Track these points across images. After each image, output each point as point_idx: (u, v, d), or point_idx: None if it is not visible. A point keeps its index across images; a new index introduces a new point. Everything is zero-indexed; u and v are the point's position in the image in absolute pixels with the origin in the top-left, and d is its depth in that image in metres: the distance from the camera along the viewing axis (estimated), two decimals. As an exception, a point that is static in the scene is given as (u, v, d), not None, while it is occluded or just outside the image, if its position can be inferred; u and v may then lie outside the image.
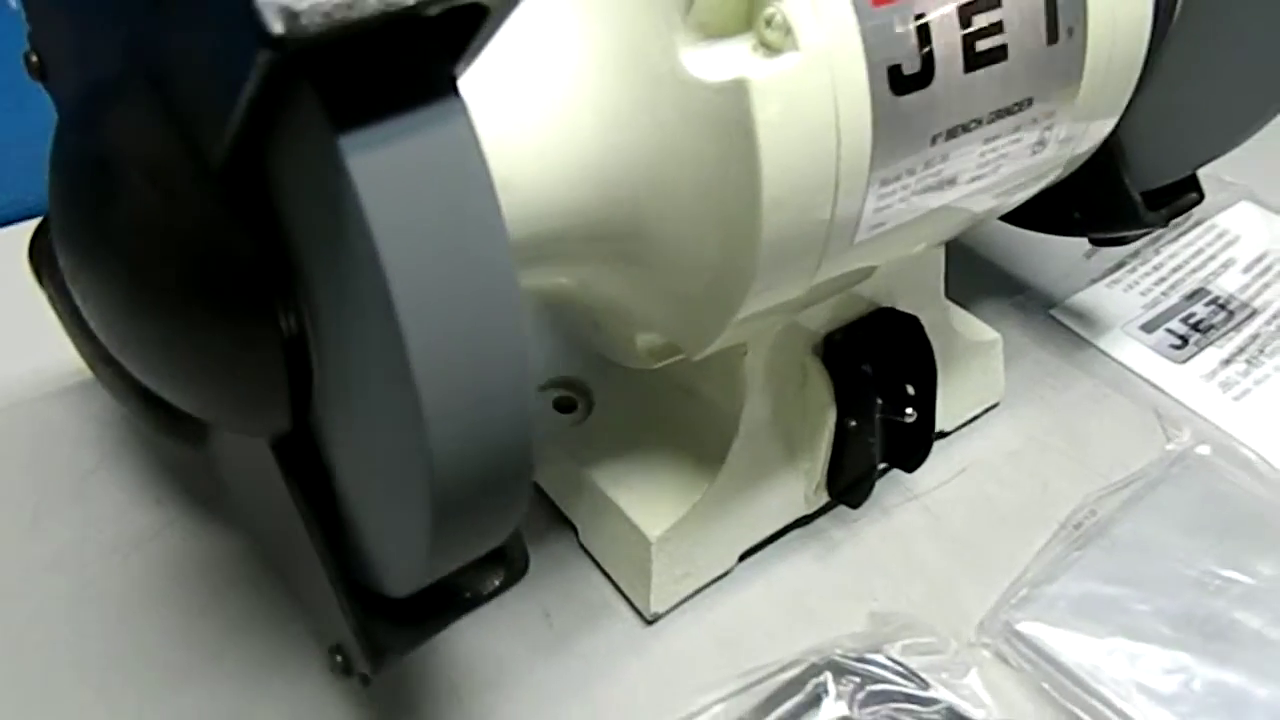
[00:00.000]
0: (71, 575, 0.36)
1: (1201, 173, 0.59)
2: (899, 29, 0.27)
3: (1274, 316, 0.51)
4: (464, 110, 0.19)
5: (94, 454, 0.39)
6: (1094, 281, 0.53)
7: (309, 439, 0.25)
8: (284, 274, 0.22)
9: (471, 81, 0.24)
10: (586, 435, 0.38)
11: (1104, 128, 0.36)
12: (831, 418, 0.36)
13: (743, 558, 0.38)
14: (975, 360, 0.43)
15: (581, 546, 0.38)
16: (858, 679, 0.34)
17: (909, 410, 0.37)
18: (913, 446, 0.39)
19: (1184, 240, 0.56)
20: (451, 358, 0.19)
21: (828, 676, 0.34)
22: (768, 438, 0.36)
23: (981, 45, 0.29)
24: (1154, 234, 0.54)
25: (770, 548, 0.39)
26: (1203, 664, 0.35)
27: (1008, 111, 0.31)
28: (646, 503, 0.35)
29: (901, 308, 0.38)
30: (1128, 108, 0.41)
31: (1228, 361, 0.49)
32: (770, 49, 0.25)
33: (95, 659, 0.34)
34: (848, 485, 0.38)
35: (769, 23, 0.25)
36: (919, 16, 0.27)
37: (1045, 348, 0.49)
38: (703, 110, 0.25)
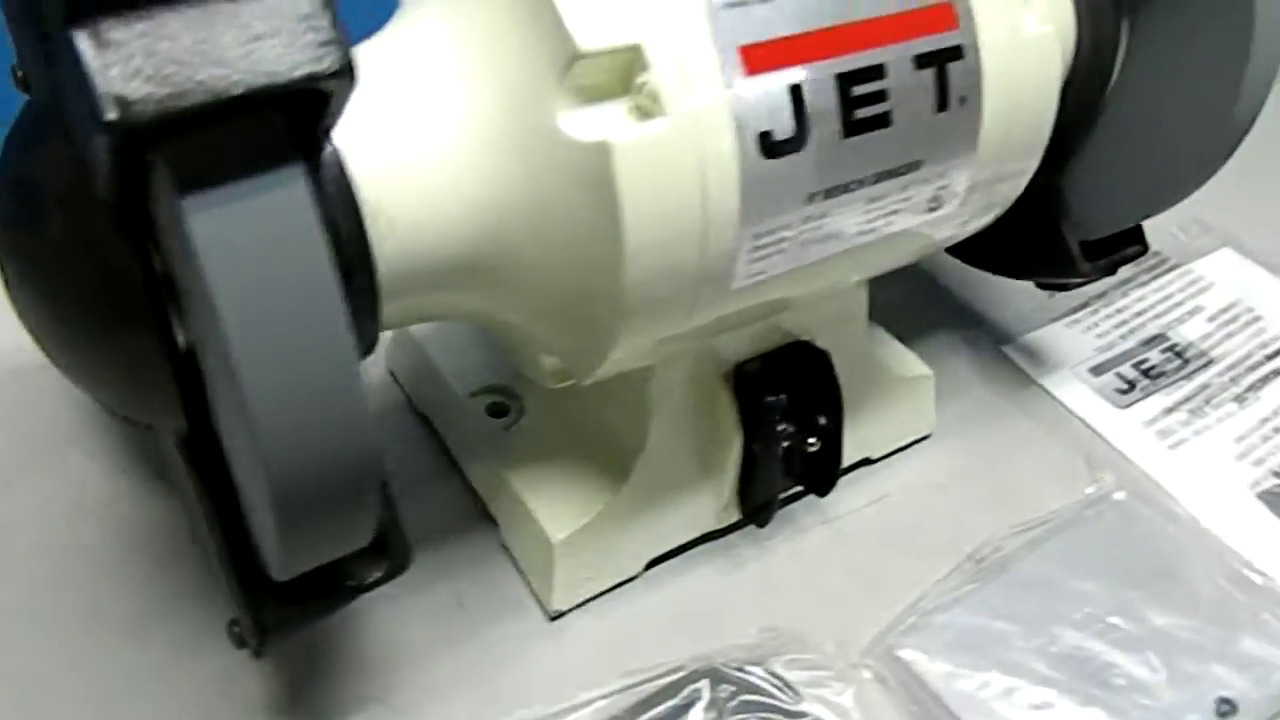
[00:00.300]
0: (38, 533, 0.40)
1: (1186, 216, 0.60)
2: (770, 98, 0.29)
3: (1229, 368, 0.51)
4: (301, 175, 0.21)
5: (72, 423, 0.43)
6: (1053, 320, 0.54)
7: (213, 437, 0.29)
8: (175, 297, 0.25)
9: (360, 126, 0.27)
10: (512, 440, 0.41)
11: (1014, 187, 0.37)
12: (738, 444, 0.39)
13: (652, 565, 0.41)
14: (903, 394, 0.45)
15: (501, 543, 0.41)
16: (733, 688, 0.36)
17: (811, 440, 0.39)
18: (821, 474, 0.41)
19: (1155, 284, 0.57)
20: (284, 389, 0.22)
21: (705, 683, 0.36)
22: (675, 457, 0.39)
23: (862, 113, 0.31)
24: (1121, 277, 0.55)
25: (679, 558, 0.41)
26: (1068, 702, 0.37)
27: (895, 173, 0.32)
28: (555, 507, 0.38)
29: (820, 341, 0.40)
30: (1067, 161, 0.43)
31: (1170, 410, 0.49)
32: (642, 113, 0.28)
33: (53, 611, 0.38)
34: (755, 507, 0.40)
35: (640, 89, 0.28)
36: (793, 86, 0.29)
37: (989, 384, 0.50)
38: (573, 165, 0.28)
